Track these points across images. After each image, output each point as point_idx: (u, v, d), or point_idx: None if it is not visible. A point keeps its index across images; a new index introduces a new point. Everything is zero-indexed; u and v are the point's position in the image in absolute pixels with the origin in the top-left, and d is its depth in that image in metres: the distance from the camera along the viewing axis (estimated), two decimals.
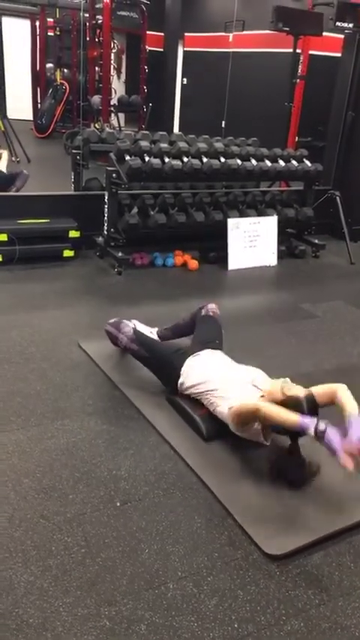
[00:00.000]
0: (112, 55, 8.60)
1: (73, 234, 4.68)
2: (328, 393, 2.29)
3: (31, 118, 10.66)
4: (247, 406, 2.26)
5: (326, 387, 2.32)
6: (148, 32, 9.19)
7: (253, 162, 5.02)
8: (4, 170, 5.50)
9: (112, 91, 8.59)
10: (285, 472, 2.29)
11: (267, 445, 2.41)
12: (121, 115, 9.90)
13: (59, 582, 1.79)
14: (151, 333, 3.17)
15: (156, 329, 3.25)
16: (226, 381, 2.50)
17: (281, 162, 5.20)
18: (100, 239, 4.77)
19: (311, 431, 2.07)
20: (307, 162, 5.34)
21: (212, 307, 3.07)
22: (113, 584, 1.80)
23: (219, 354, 2.75)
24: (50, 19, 10.37)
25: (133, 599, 1.76)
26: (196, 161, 4.65)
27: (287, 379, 2.40)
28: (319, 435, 2.06)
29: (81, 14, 8.72)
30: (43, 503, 2.10)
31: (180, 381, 2.67)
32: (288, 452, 2.29)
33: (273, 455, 2.35)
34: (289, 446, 2.28)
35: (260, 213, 5.26)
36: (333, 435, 2.04)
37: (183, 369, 2.67)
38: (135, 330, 2.90)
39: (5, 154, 5.74)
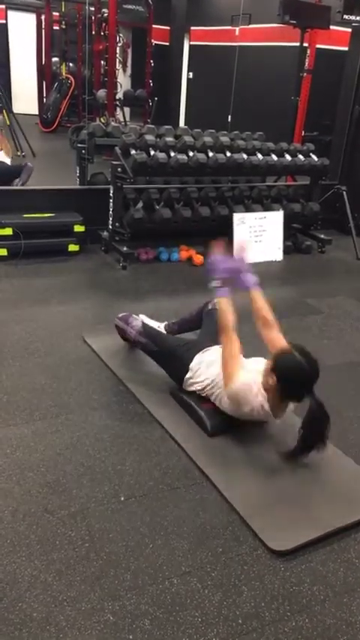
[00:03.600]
0: (118, 48, 8.55)
1: (78, 228, 4.67)
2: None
3: (37, 113, 10.63)
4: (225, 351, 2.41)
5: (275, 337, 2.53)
6: (153, 26, 9.12)
7: (259, 156, 4.99)
8: (9, 163, 5.50)
9: (118, 85, 8.54)
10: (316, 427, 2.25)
11: (277, 423, 2.41)
12: (127, 109, 9.86)
13: (63, 576, 1.79)
14: (159, 327, 3.17)
15: (164, 323, 3.25)
16: None
17: (287, 157, 5.17)
18: (105, 233, 4.76)
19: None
20: (314, 157, 5.31)
21: None
22: (117, 578, 1.80)
23: None
24: (56, 13, 10.33)
25: (137, 594, 1.75)
26: (201, 155, 4.62)
27: None
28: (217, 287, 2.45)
29: (86, 8, 8.67)
30: (47, 498, 2.10)
31: (187, 376, 2.66)
32: (310, 410, 2.24)
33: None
34: (311, 403, 2.24)
35: (266, 208, 5.24)
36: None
37: (192, 364, 2.66)
38: (144, 324, 2.90)
39: (6, 144, 5.72)
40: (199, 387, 2.61)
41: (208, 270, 2.54)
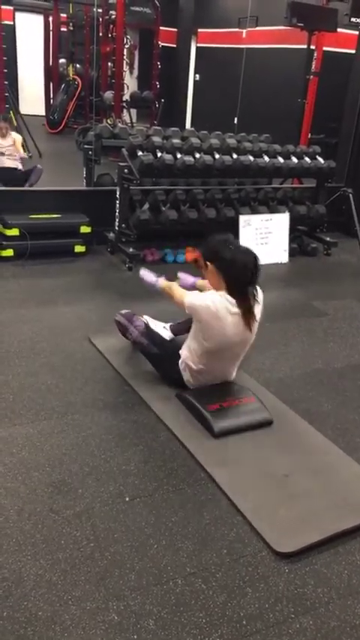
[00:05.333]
0: (125, 50, 8.57)
1: (85, 229, 4.69)
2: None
3: (44, 114, 10.68)
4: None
5: None
6: (161, 28, 9.16)
7: (266, 158, 4.99)
8: (21, 167, 5.52)
9: (125, 86, 8.57)
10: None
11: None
12: (134, 111, 9.89)
13: (68, 576, 1.79)
14: (165, 328, 3.18)
15: (169, 324, 3.25)
16: None
17: (294, 159, 5.17)
18: (112, 234, 4.77)
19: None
20: (320, 159, 5.31)
21: None
22: (122, 578, 1.80)
23: None
24: (63, 15, 10.37)
25: (142, 594, 1.76)
26: (208, 157, 4.63)
27: None
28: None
29: (94, 10, 8.71)
30: (53, 497, 2.11)
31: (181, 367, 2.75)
32: None
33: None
34: None
35: (272, 210, 5.24)
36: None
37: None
38: (146, 325, 2.91)
39: (18, 146, 5.76)
40: (183, 357, 2.71)
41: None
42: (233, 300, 2.46)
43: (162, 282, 2.91)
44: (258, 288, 2.55)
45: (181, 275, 3.11)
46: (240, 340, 2.58)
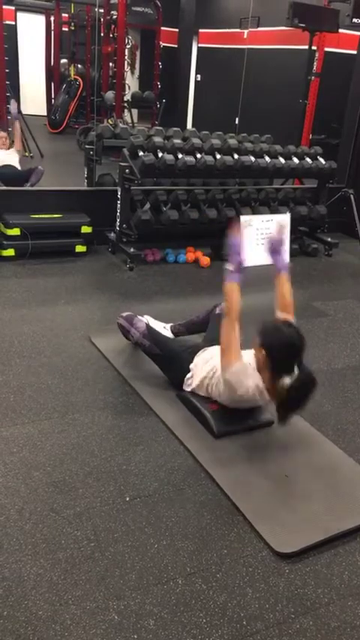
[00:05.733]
0: (127, 50, 8.57)
1: (86, 229, 4.69)
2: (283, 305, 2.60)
3: (45, 114, 10.67)
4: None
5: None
6: (162, 28, 9.15)
7: (267, 159, 4.99)
8: (19, 167, 5.52)
9: (126, 86, 8.56)
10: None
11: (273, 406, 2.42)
12: (135, 111, 9.87)
13: (68, 575, 1.79)
14: (165, 328, 3.17)
15: (170, 324, 3.26)
16: None
17: (295, 160, 5.17)
18: (113, 235, 4.77)
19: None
20: (321, 160, 5.31)
21: None
22: (122, 578, 1.81)
23: None
24: (65, 15, 10.37)
25: (142, 593, 1.76)
26: (209, 157, 4.63)
27: None
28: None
29: (96, 10, 8.71)
30: (53, 497, 2.11)
31: (188, 376, 2.68)
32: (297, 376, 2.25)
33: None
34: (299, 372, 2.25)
35: (273, 211, 5.23)
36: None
37: (192, 365, 2.68)
38: (148, 326, 2.90)
39: (17, 140, 5.74)
40: (197, 382, 2.64)
41: (227, 253, 2.56)
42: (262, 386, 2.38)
43: (232, 281, 2.48)
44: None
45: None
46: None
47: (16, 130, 5.74)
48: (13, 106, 5.84)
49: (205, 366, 2.63)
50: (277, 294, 2.66)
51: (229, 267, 2.47)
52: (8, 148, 5.57)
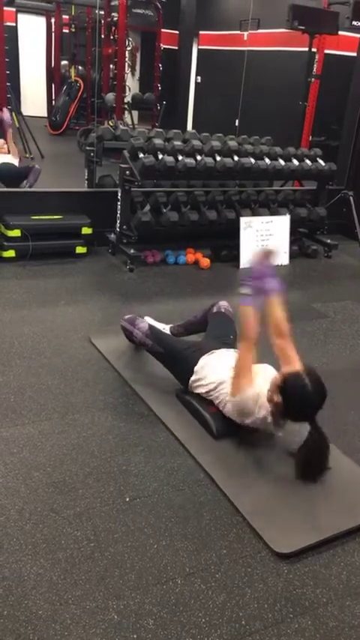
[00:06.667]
0: (127, 52, 8.59)
1: (86, 230, 4.70)
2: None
3: (46, 115, 10.69)
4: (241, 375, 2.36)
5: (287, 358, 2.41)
6: (162, 30, 9.17)
7: (267, 161, 5.01)
8: (17, 164, 5.52)
9: (126, 88, 8.59)
10: (310, 458, 2.28)
11: (279, 436, 2.42)
12: (135, 113, 9.89)
13: (68, 575, 1.80)
14: (164, 329, 3.18)
15: (169, 325, 3.27)
16: None
17: (295, 162, 5.18)
18: (113, 236, 4.78)
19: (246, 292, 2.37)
20: (321, 162, 5.32)
21: (224, 305, 3.07)
22: (122, 578, 1.81)
23: (232, 353, 2.67)
24: (65, 16, 10.39)
25: (142, 593, 1.77)
26: (209, 159, 4.64)
27: None
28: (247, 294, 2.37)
29: (96, 11, 8.72)
30: (53, 497, 2.12)
31: (193, 378, 2.67)
32: (310, 436, 2.27)
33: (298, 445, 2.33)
34: (311, 429, 2.27)
35: (273, 212, 5.25)
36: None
37: (197, 367, 2.67)
38: (150, 326, 2.92)
39: (13, 146, 5.71)
40: (203, 390, 2.63)
41: (244, 276, 2.47)
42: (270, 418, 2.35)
43: (247, 304, 2.41)
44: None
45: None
46: None
47: (8, 137, 5.70)
48: (6, 115, 5.74)
49: (213, 376, 2.59)
50: (268, 319, 2.51)
51: (245, 290, 2.39)
52: (7, 153, 5.57)
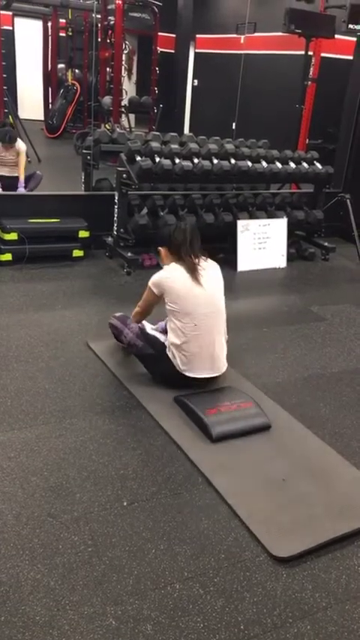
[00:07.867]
0: (124, 56, 8.60)
1: (83, 234, 4.70)
2: None
3: (42, 118, 10.70)
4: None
5: None
6: (159, 33, 9.19)
7: (264, 164, 5.01)
8: (22, 178, 5.49)
9: (123, 91, 8.61)
10: None
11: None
12: (132, 116, 9.91)
13: (66, 581, 1.79)
14: (153, 329, 3.18)
15: (156, 325, 3.26)
16: None
17: (292, 165, 5.19)
18: (110, 239, 4.78)
19: None
20: (318, 165, 5.33)
21: None
22: (119, 583, 1.80)
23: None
24: (62, 20, 10.41)
25: (140, 598, 1.76)
26: (206, 162, 4.65)
27: None
28: None
29: (93, 15, 8.74)
30: (51, 502, 2.10)
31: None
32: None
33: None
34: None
35: (270, 215, 5.25)
36: None
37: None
38: (140, 327, 2.94)
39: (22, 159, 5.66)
40: (170, 351, 2.80)
41: None
42: (180, 266, 2.80)
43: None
44: (207, 259, 2.92)
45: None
46: (204, 302, 2.77)
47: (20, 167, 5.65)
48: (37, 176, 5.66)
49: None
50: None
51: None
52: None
